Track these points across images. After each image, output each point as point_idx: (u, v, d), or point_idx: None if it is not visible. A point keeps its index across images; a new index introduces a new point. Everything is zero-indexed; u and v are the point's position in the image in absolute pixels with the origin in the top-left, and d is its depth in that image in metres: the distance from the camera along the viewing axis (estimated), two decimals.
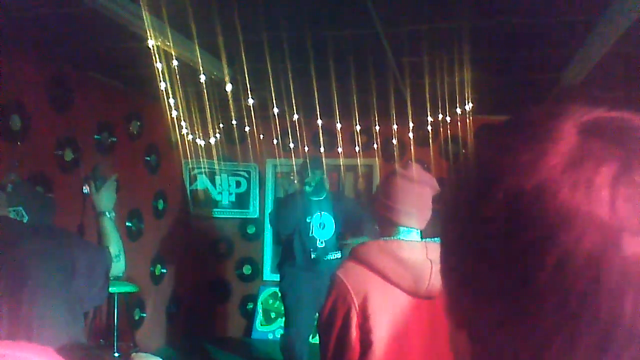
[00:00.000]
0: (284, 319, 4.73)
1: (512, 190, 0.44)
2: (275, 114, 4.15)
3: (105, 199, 2.56)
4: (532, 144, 0.45)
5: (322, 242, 4.52)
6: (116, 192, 2.62)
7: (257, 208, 6.23)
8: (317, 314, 4.33)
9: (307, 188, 4.37)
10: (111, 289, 2.72)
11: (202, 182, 6.16)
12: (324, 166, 4.57)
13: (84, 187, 2.85)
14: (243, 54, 3.27)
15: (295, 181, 4.54)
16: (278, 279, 4.80)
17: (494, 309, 0.46)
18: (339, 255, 4.54)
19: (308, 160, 4.48)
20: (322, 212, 4.54)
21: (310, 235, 4.50)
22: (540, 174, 0.43)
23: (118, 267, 2.45)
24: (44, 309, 2.05)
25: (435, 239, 1.90)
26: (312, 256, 4.46)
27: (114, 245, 2.45)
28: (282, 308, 4.73)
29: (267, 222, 6.02)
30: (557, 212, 0.42)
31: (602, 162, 0.43)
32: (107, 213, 2.53)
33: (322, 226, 4.55)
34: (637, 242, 0.40)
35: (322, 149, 4.95)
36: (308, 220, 4.50)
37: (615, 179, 0.42)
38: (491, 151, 0.49)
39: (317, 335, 1.92)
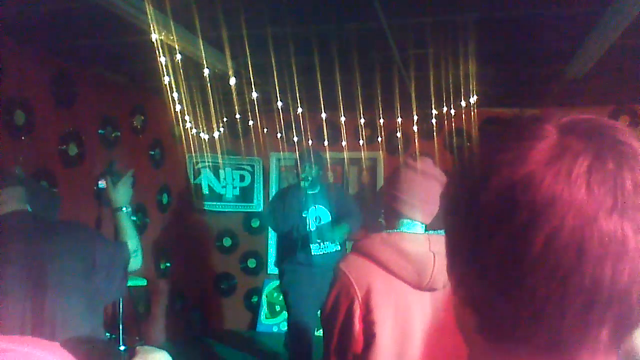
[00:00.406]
0: (287, 315, 4.71)
1: (505, 180, 0.53)
2: (279, 107, 4.15)
3: (122, 194, 2.57)
4: (521, 141, 0.54)
5: (318, 236, 4.50)
6: (132, 188, 2.64)
7: (262, 202, 6.24)
8: (319, 309, 4.36)
9: (304, 183, 4.34)
10: None
11: (206, 176, 6.17)
12: (322, 159, 4.53)
13: (99, 182, 2.85)
14: (247, 48, 3.26)
15: (297, 175, 4.48)
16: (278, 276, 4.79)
17: (493, 283, 0.54)
18: (338, 247, 4.53)
19: (299, 155, 4.42)
20: (317, 205, 4.52)
21: (308, 229, 4.46)
22: (528, 166, 0.52)
23: (136, 262, 2.47)
24: (65, 303, 2.06)
25: (439, 231, 1.90)
26: (312, 251, 4.43)
27: (132, 241, 2.47)
28: (285, 304, 4.72)
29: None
30: (543, 197, 0.50)
31: (578, 155, 0.51)
32: (124, 208, 2.55)
33: (318, 220, 4.53)
34: (612, 219, 0.49)
35: (326, 143, 4.94)
36: (304, 215, 4.46)
37: (590, 168, 0.51)
38: (488, 148, 0.59)
39: (321, 328, 1.92)
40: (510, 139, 0.56)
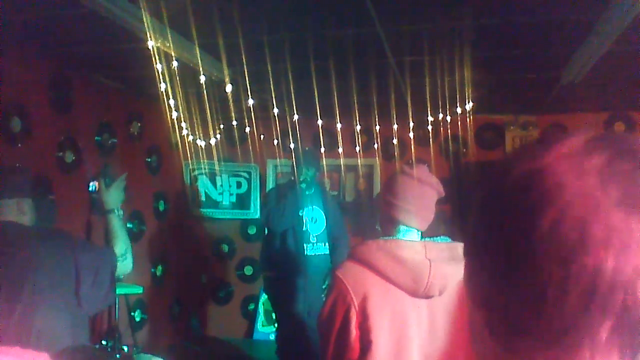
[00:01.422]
0: (278, 319, 4.69)
1: (523, 171, 0.57)
2: (276, 114, 4.15)
3: (114, 197, 2.57)
4: (546, 143, 0.59)
5: (314, 237, 4.51)
6: (124, 191, 2.63)
7: (258, 208, 6.23)
8: (308, 311, 4.34)
9: (303, 185, 4.35)
10: (117, 291, 2.72)
11: (203, 182, 6.16)
12: (317, 161, 4.55)
13: (90, 185, 2.84)
14: (243, 55, 3.27)
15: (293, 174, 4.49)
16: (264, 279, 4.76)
17: (501, 276, 0.57)
18: (326, 251, 4.54)
19: (295, 155, 4.43)
20: (313, 206, 4.54)
21: (304, 229, 4.46)
22: (546, 159, 0.56)
23: (124, 266, 2.44)
24: (46, 314, 2.04)
25: (435, 238, 1.90)
26: (306, 252, 4.43)
27: (121, 244, 2.44)
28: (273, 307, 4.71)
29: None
30: (553, 185, 0.54)
31: (594, 152, 0.55)
32: (115, 211, 2.54)
33: (314, 220, 4.54)
34: (618, 211, 0.51)
35: (322, 149, 4.95)
36: (301, 214, 4.46)
37: (603, 164, 0.54)
38: (514, 153, 0.64)
39: (317, 334, 1.92)
40: (537, 143, 0.62)
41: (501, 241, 0.57)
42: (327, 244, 4.57)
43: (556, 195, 0.53)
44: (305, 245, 4.45)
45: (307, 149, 4.80)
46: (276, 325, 4.84)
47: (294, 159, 4.45)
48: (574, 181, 0.53)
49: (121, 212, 2.56)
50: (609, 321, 0.52)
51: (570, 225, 0.52)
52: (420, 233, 1.92)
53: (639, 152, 0.55)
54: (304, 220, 4.48)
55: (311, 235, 4.50)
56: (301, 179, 4.33)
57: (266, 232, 4.74)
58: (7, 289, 2.00)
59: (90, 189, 3.59)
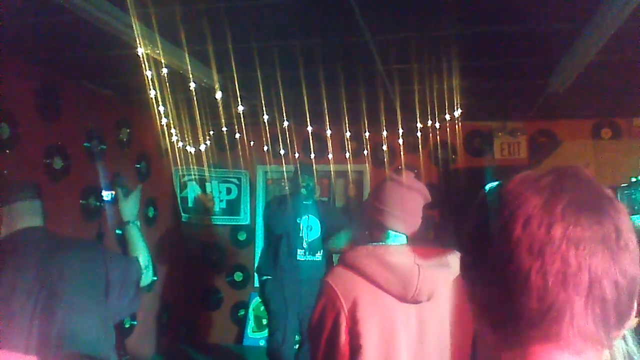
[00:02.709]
0: (269, 323, 4.78)
1: (496, 191, 0.77)
2: (266, 120, 4.16)
3: (132, 207, 2.56)
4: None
5: (307, 243, 4.68)
6: (139, 202, 2.64)
7: (248, 215, 6.23)
8: (300, 318, 4.50)
9: (304, 191, 4.53)
10: None
11: (193, 189, 6.15)
12: (314, 172, 4.65)
13: (106, 194, 2.79)
14: (233, 62, 3.28)
15: (287, 187, 4.65)
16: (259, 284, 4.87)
17: (492, 267, 0.72)
18: (320, 258, 4.73)
19: (300, 166, 4.60)
20: (310, 215, 4.72)
21: (300, 235, 4.65)
22: (510, 184, 0.76)
23: (147, 276, 2.44)
24: (74, 323, 2.03)
25: (427, 244, 1.91)
26: (299, 257, 4.61)
27: (144, 255, 2.44)
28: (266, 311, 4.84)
29: (258, 229, 6.05)
30: (518, 199, 0.73)
31: (542, 177, 0.74)
32: (133, 221, 2.53)
33: (309, 228, 4.72)
34: (568, 213, 0.69)
35: (312, 155, 4.96)
36: (298, 221, 4.65)
37: (552, 183, 0.73)
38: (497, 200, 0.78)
39: (308, 340, 1.93)
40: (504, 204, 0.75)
41: (487, 245, 0.73)
42: (321, 251, 4.74)
43: (522, 207, 0.71)
44: (298, 250, 4.64)
45: (306, 160, 4.93)
46: (268, 329, 4.89)
47: (298, 169, 4.62)
48: (531, 196, 0.71)
49: (139, 223, 2.55)
50: (582, 296, 0.67)
51: (536, 226, 0.69)
52: (406, 237, 1.93)
53: (577, 173, 0.74)
54: (301, 227, 4.68)
55: (305, 242, 4.68)
56: (305, 186, 4.55)
57: (265, 238, 4.92)
58: (39, 297, 2.00)
59: (106, 198, 3.54)
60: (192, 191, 6.15)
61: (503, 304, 0.71)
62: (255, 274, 5.35)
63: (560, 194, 0.70)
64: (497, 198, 0.74)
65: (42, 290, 2.00)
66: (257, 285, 5.28)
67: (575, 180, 0.73)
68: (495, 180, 0.80)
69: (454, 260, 1.82)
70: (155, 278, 5.41)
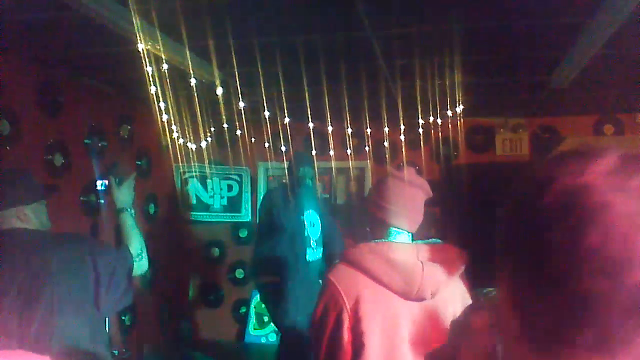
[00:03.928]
0: (277, 327, 4.55)
1: (565, 186, 0.60)
2: (267, 117, 4.15)
3: (126, 195, 2.56)
4: (584, 157, 0.62)
5: (314, 242, 4.40)
6: (134, 190, 2.62)
7: (249, 211, 6.22)
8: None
9: (309, 182, 4.31)
10: None
11: (194, 186, 6.14)
12: (314, 163, 4.52)
13: (99, 183, 2.79)
14: (234, 57, 3.26)
15: (284, 180, 4.38)
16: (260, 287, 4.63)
17: (542, 284, 0.60)
18: (320, 256, 4.45)
19: (297, 156, 4.41)
20: (311, 210, 4.47)
21: (305, 235, 4.32)
22: (588, 176, 0.59)
23: (140, 266, 2.42)
24: (65, 319, 2.02)
25: (429, 240, 1.90)
26: (307, 258, 4.28)
27: (136, 244, 2.42)
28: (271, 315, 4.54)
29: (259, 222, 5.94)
30: (598, 203, 0.57)
31: (633, 174, 0.59)
32: (127, 209, 2.53)
33: (312, 225, 4.46)
34: None
35: (313, 152, 4.95)
36: (302, 218, 4.35)
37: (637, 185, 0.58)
38: (551, 161, 0.65)
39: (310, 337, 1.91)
40: (573, 154, 0.64)
41: (542, 252, 0.60)
42: (323, 248, 4.47)
43: (602, 214, 0.56)
44: (306, 251, 4.30)
45: (305, 152, 4.79)
46: (279, 334, 4.63)
47: (293, 161, 4.39)
48: (618, 201, 0.57)
49: (133, 211, 2.55)
50: None
51: (616, 243, 0.55)
52: (411, 235, 1.92)
53: None
54: (305, 225, 4.34)
55: (312, 240, 4.36)
56: (310, 178, 4.31)
57: (260, 236, 4.59)
58: (26, 294, 1.99)
59: (99, 187, 3.53)
60: (193, 188, 6.14)
61: (558, 321, 0.60)
62: (251, 276, 5.21)
63: None
64: (566, 192, 0.59)
65: (27, 289, 1.99)
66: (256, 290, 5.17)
67: None
68: (500, 177, 0.72)
69: (457, 257, 1.81)
70: (156, 275, 5.43)
